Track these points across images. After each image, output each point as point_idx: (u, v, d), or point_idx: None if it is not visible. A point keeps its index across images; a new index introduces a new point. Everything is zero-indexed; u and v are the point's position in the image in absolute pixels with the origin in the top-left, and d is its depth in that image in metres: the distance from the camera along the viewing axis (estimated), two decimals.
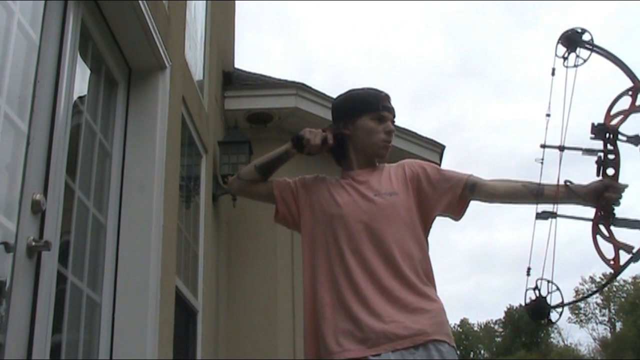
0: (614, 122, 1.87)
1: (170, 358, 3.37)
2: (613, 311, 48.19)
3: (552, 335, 51.05)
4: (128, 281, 2.96)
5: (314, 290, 2.11)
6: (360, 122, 2.25)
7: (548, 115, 1.94)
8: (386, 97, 2.28)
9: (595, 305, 49.21)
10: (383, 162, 2.34)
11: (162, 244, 3.17)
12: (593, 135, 1.85)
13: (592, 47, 1.91)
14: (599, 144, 1.87)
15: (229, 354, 5.15)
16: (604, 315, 49.08)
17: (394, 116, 2.29)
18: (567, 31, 1.97)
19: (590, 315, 49.01)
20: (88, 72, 2.86)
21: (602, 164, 1.85)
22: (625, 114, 1.89)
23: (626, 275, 46.71)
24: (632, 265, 1.83)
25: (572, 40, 1.97)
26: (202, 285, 4.48)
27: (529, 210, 2.04)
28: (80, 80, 2.69)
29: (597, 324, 48.77)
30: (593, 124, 1.89)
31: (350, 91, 2.36)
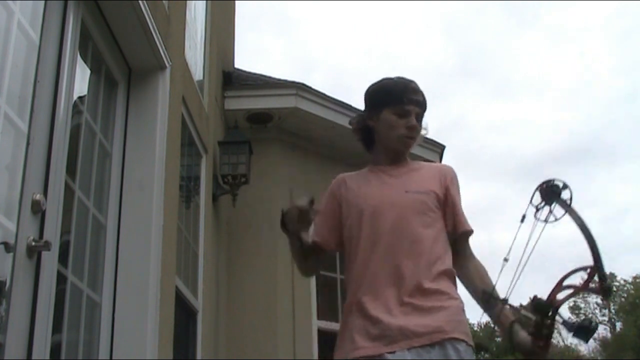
0: (561, 295, 1.81)
1: (170, 358, 3.37)
2: (613, 311, 48.20)
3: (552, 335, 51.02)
4: (128, 281, 2.96)
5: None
6: (383, 114, 2.17)
7: (506, 260, 1.89)
8: (414, 90, 2.17)
9: (595, 305, 49.24)
10: (418, 160, 2.31)
11: (162, 244, 3.17)
12: (532, 309, 1.80)
13: (567, 208, 1.81)
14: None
15: (229, 354, 5.15)
16: (604, 315, 49.09)
17: (423, 109, 2.18)
18: (548, 181, 1.84)
19: (590, 315, 49.00)
20: (88, 72, 2.86)
21: (534, 334, 1.80)
22: (575, 291, 1.82)
23: (626, 275, 46.70)
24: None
25: (550, 193, 1.88)
26: (202, 285, 4.48)
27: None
28: (80, 80, 2.69)
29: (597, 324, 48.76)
30: (534, 298, 1.82)
31: (381, 80, 2.27)
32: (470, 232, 2.16)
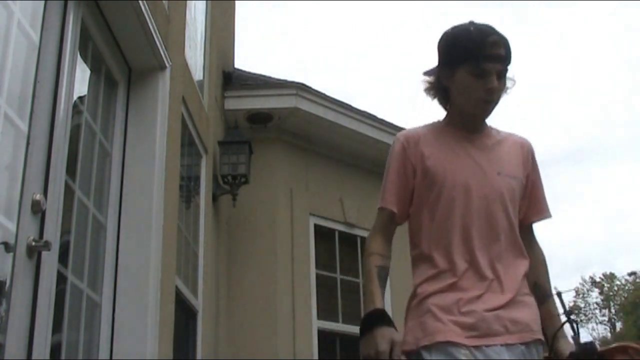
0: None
1: (170, 358, 3.37)
2: (613, 311, 48.18)
3: None
4: (128, 281, 2.96)
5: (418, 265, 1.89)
6: (458, 74, 1.87)
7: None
8: (493, 43, 1.84)
9: (595, 305, 49.22)
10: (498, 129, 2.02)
11: (162, 244, 3.17)
12: (581, 349, 1.74)
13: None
14: None
15: (229, 354, 5.15)
16: (604, 315, 49.07)
17: (507, 63, 1.87)
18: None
19: (590, 315, 48.99)
20: (88, 72, 2.86)
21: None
22: None
23: (626, 274, 46.69)
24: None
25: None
26: (202, 285, 4.48)
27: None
28: (80, 80, 2.69)
29: (597, 324, 48.76)
30: (588, 344, 1.75)
31: (454, 31, 1.93)
32: (549, 218, 1.99)
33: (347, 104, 5.97)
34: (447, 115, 2.00)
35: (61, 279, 2.40)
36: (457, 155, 1.90)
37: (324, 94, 5.83)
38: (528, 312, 1.79)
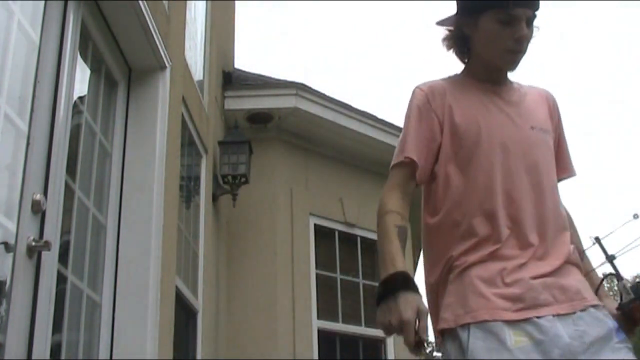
0: None
1: (170, 358, 3.37)
2: None
3: None
4: (128, 281, 2.96)
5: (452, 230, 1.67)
6: (482, 22, 1.70)
7: (635, 216, 1.62)
8: None
9: None
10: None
11: (162, 244, 3.17)
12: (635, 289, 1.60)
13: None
14: None
15: (229, 354, 5.15)
16: None
17: (535, 9, 1.70)
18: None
19: None
20: (88, 72, 2.86)
21: (622, 308, 1.59)
22: None
23: (627, 274, 46.67)
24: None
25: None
26: (202, 285, 4.48)
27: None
28: (80, 80, 2.69)
29: None
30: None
31: None
32: (574, 176, 1.85)
33: (347, 104, 5.97)
34: (466, 68, 1.83)
35: (61, 279, 2.40)
36: (489, 110, 1.72)
37: (324, 94, 5.84)
38: (579, 278, 1.61)
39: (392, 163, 1.74)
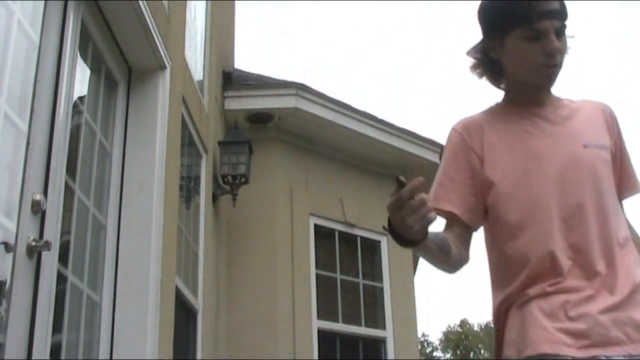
0: None
1: (170, 358, 3.37)
2: None
3: None
4: (128, 281, 2.96)
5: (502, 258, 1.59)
6: (507, 42, 1.59)
7: None
8: None
9: None
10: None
11: (162, 244, 3.17)
12: None
13: None
14: None
15: (229, 354, 5.15)
16: None
17: (564, 18, 1.57)
18: None
19: None
20: (88, 72, 2.86)
21: None
22: None
23: None
24: None
25: None
26: (202, 285, 4.48)
27: None
28: (80, 80, 2.69)
29: None
30: None
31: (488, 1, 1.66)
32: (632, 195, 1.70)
33: (347, 104, 5.97)
34: (505, 94, 1.72)
35: (61, 279, 2.40)
36: (533, 136, 1.60)
37: (324, 94, 5.84)
38: None
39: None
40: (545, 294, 1.48)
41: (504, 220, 1.58)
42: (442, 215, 1.62)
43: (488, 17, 1.66)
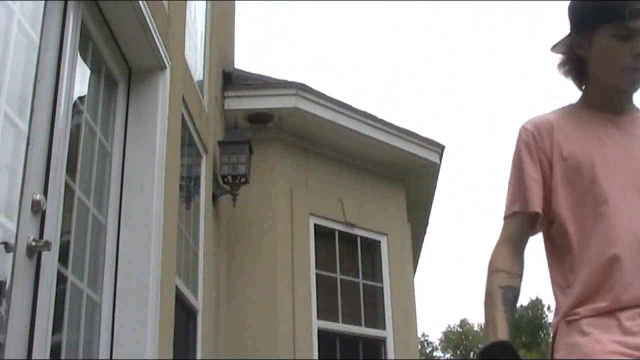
0: None
1: (170, 358, 3.37)
2: None
3: None
4: (128, 281, 2.96)
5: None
6: (596, 38, 1.53)
7: None
8: None
9: None
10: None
11: (162, 244, 3.17)
12: None
13: None
14: None
15: (229, 354, 5.15)
16: None
17: None
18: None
19: None
20: (88, 72, 2.86)
21: None
22: None
23: None
24: None
25: None
26: (202, 285, 4.48)
27: None
28: (80, 80, 2.69)
29: None
30: None
31: None
32: None
33: (347, 104, 5.97)
34: (583, 96, 1.65)
35: (61, 279, 2.40)
36: (605, 144, 1.53)
37: (324, 94, 5.84)
38: None
39: (506, 213, 1.60)
40: (600, 313, 1.42)
41: (569, 229, 1.52)
42: (522, 220, 1.57)
43: (579, 11, 1.58)
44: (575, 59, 1.61)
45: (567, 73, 1.66)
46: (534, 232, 1.60)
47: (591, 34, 1.54)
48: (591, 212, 1.49)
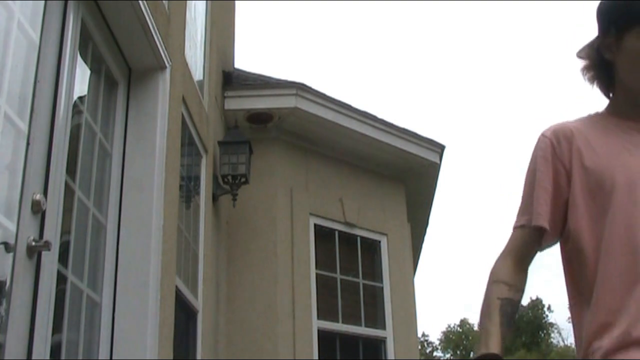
0: None
1: (170, 358, 3.37)
2: None
3: (552, 335, 51.15)
4: (128, 281, 2.96)
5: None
6: (627, 41, 1.43)
7: None
8: None
9: None
10: None
11: (162, 244, 3.17)
12: None
13: None
14: None
15: (229, 354, 5.15)
16: None
17: None
18: None
19: None
20: (88, 72, 2.86)
21: None
22: None
23: None
24: None
25: None
26: (202, 285, 4.48)
27: None
28: (80, 80, 2.69)
29: None
30: None
31: None
32: None
33: (347, 104, 5.97)
34: (609, 103, 1.54)
35: (61, 279, 2.40)
36: (630, 153, 1.41)
37: (324, 94, 5.84)
38: None
39: (515, 224, 1.52)
40: (624, 347, 1.28)
41: (587, 246, 1.41)
42: (529, 232, 1.48)
43: (609, 11, 1.48)
44: (602, 63, 1.50)
45: (592, 79, 1.55)
46: (541, 248, 1.50)
47: (621, 36, 1.44)
48: (611, 226, 1.37)
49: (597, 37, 1.51)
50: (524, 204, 1.51)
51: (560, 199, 1.45)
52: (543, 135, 1.52)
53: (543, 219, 1.45)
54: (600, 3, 1.52)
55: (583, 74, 1.55)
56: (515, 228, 1.52)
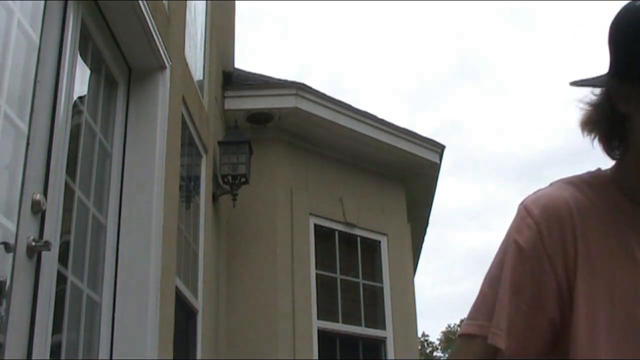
0: None
1: (170, 358, 3.37)
2: None
3: None
4: (128, 281, 2.96)
5: None
6: None
7: None
8: None
9: None
10: None
11: (162, 244, 3.17)
12: None
13: None
14: None
15: (229, 354, 5.15)
16: None
17: None
18: None
19: None
20: (88, 72, 2.86)
21: None
22: None
23: None
24: None
25: None
26: (202, 285, 4.48)
27: None
28: (80, 80, 2.69)
29: None
30: None
31: (634, 12, 1.02)
32: None
33: (347, 104, 5.97)
34: (615, 170, 1.13)
35: (61, 279, 2.40)
36: (635, 262, 1.03)
37: (324, 94, 5.84)
38: None
39: (462, 331, 1.13)
40: None
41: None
42: (485, 347, 1.07)
43: (633, 48, 1.02)
44: (613, 114, 1.06)
45: (591, 130, 1.10)
46: None
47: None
48: (623, 353, 1.02)
49: (611, 79, 1.07)
50: (478, 308, 1.11)
51: (543, 315, 1.03)
52: (527, 212, 1.06)
53: (503, 338, 1.03)
54: (618, 23, 1.06)
55: (581, 126, 1.12)
56: (463, 335, 1.13)
